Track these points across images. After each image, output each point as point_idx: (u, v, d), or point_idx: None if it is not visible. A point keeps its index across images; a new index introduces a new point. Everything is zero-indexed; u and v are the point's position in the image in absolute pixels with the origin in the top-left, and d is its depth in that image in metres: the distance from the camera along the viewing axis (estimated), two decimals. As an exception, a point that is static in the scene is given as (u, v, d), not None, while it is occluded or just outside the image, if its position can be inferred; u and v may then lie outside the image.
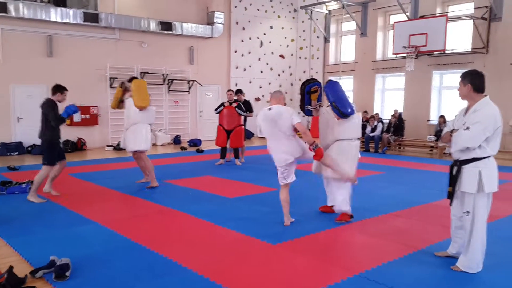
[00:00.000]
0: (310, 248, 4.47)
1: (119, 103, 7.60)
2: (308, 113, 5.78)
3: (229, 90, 10.24)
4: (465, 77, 3.79)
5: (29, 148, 12.17)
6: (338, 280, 3.64)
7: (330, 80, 5.54)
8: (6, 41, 11.88)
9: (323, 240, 4.78)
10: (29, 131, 12.33)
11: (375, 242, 4.68)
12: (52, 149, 6.38)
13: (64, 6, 12.41)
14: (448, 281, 3.71)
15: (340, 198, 5.36)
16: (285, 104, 5.26)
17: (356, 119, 5.40)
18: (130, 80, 7.50)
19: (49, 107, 6.25)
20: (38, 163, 10.26)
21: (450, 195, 3.93)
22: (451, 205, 4.00)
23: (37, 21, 12.11)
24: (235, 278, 3.70)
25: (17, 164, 9.94)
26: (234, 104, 9.96)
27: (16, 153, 11.83)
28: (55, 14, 12.22)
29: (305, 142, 5.11)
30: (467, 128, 3.67)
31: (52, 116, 6.24)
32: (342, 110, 5.18)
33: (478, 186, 3.68)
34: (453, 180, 3.85)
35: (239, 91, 10.48)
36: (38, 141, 11.99)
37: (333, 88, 5.30)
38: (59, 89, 6.40)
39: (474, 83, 3.74)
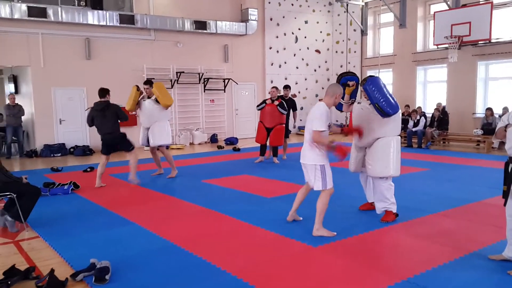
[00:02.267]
0: (353, 251, 4.27)
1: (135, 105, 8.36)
2: (339, 107, 5.47)
3: (273, 87, 9.97)
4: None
5: (71, 149, 12.46)
6: (385, 286, 3.44)
7: (370, 76, 5.18)
8: (47, 45, 12.20)
9: (367, 243, 4.56)
10: (71, 133, 12.69)
11: (423, 244, 4.43)
12: (126, 137, 7.50)
13: (101, 8, 12.64)
14: (505, 287, 3.45)
15: (380, 206, 5.25)
16: (334, 104, 4.75)
17: (398, 115, 5.16)
18: (146, 83, 8.31)
19: (118, 107, 7.38)
20: (81, 164, 10.56)
21: (505, 194, 3.66)
22: (506, 205, 3.72)
23: (75, 24, 12.38)
24: (274, 282, 3.57)
25: (60, 165, 10.18)
26: (277, 102, 9.73)
27: (59, 154, 12.15)
28: (92, 17, 12.46)
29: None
30: (523, 122, 3.40)
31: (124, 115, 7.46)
32: (386, 110, 4.91)
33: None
34: (509, 178, 3.59)
35: (287, 87, 10.43)
36: (80, 142, 12.60)
37: (375, 87, 4.97)
38: (108, 91, 7.50)
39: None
